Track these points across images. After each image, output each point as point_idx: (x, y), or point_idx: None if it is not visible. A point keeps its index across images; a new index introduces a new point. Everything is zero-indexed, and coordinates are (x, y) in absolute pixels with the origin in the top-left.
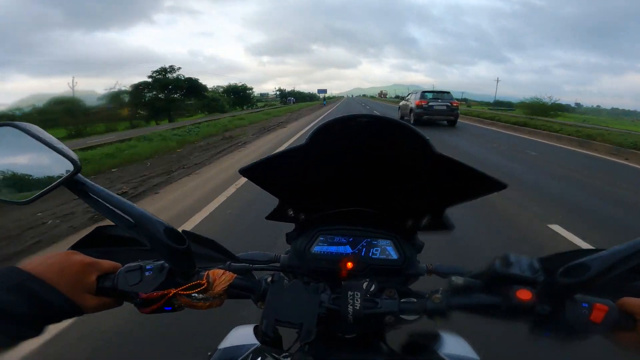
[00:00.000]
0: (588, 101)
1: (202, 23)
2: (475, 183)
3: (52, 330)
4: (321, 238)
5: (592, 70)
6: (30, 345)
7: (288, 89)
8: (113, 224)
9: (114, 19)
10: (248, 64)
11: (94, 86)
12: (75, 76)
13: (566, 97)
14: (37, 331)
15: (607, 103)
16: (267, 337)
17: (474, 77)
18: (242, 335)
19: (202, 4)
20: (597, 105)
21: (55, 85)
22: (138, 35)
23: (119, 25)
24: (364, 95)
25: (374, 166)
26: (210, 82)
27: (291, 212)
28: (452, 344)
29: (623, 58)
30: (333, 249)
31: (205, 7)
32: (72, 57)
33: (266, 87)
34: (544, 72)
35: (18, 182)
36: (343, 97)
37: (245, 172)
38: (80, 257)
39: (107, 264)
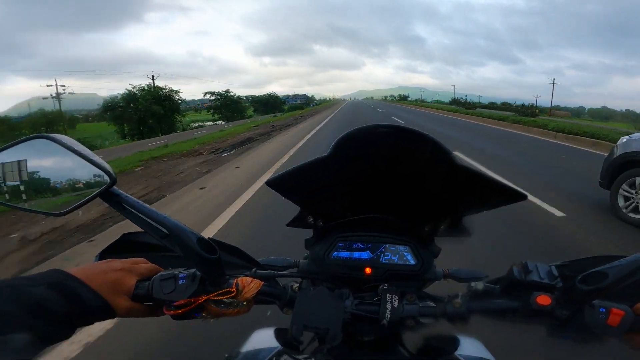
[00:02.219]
0: (598, 103)
1: (201, 23)
2: (495, 193)
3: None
4: (340, 244)
5: (603, 72)
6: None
7: (291, 92)
8: (139, 230)
9: (111, 20)
10: (249, 65)
11: (95, 89)
12: (74, 78)
13: (576, 99)
14: (68, 333)
15: (617, 105)
16: (296, 341)
17: (480, 79)
18: (263, 338)
19: (199, 2)
20: (604, 106)
21: (53, 89)
22: (136, 36)
23: (116, 26)
24: (371, 98)
25: (394, 175)
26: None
27: (310, 219)
28: (468, 346)
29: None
30: (352, 254)
31: (202, 4)
32: (69, 59)
33: (268, 89)
34: (556, 73)
35: (53, 193)
36: (345, 100)
37: (271, 183)
38: (119, 263)
39: (144, 267)
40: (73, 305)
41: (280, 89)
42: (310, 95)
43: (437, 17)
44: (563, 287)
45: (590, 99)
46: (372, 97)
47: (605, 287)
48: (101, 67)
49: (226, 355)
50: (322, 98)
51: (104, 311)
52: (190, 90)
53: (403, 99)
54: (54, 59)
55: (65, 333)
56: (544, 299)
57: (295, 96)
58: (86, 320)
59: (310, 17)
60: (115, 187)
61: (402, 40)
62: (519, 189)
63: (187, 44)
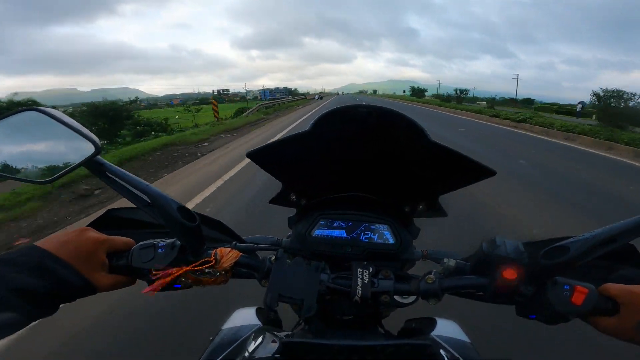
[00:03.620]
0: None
1: (183, 14)
2: (466, 170)
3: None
4: (321, 222)
5: (593, 67)
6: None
7: (280, 85)
8: (125, 206)
9: (84, 11)
10: (236, 59)
11: (76, 84)
12: (53, 74)
13: (565, 94)
14: (52, 310)
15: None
16: (271, 310)
17: (472, 73)
18: (244, 317)
19: None
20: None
21: (38, 84)
22: (115, 30)
23: (92, 18)
24: (360, 92)
25: (373, 153)
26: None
27: (293, 197)
28: (445, 328)
29: (626, 54)
30: (333, 232)
31: None
32: (47, 54)
33: (258, 83)
34: (548, 67)
35: (42, 163)
36: (335, 94)
37: (251, 155)
38: (94, 234)
39: (119, 240)
40: (54, 286)
41: (271, 82)
42: (293, 89)
43: (431, 8)
44: (527, 262)
45: (577, 93)
46: (364, 91)
47: (567, 261)
48: (81, 62)
49: (211, 338)
50: (308, 91)
51: (85, 288)
52: (177, 84)
53: (417, 94)
54: (27, 57)
55: (49, 310)
56: (509, 273)
57: (275, 90)
58: (68, 297)
59: (299, 7)
60: (99, 156)
61: (395, 32)
62: (487, 165)
63: (170, 37)
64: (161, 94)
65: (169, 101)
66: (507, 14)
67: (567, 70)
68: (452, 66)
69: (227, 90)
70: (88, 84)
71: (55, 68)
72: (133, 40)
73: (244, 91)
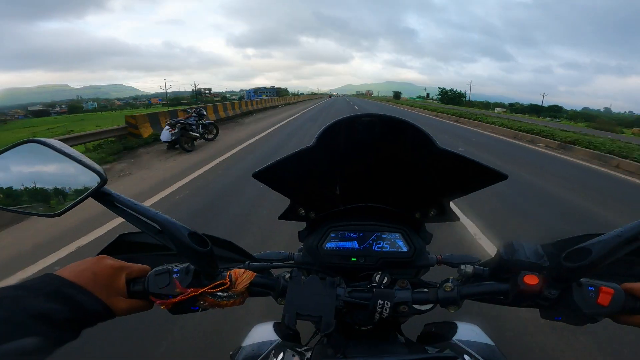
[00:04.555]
0: (580, 101)
1: (178, 10)
2: (477, 175)
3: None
4: (332, 235)
5: (589, 71)
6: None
7: (277, 84)
8: (135, 231)
9: (77, 8)
10: (231, 57)
11: (68, 80)
12: (44, 70)
13: (559, 98)
14: (74, 335)
15: (600, 104)
16: (290, 330)
17: (469, 76)
18: (263, 332)
19: None
20: (586, 107)
21: (29, 79)
22: (108, 26)
23: (83, 14)
24: (358, 94)
25: (380, 163)
26: None
27: (302, 211)
28: (467, 332)
29: (622, 58)
30: (344, 244)
31: None
32: (38, 49)
33: (254, 82)
34: (546, 71)
35: (46, 195)
36: (328, 96)
37: (257, 176)
38: (111, 261)
39: (136, 267)
40: (73, 312)
41: (267, 82)
42: (282, 88)
43: (431, 8)
44: (549, 266)
45: (572, 98)
46: (362, 93)
47: (590, 264)
48: (73, 58)
49: (230, 353)
50: (302, 92)
51: (104, 313)
52: (173, 82)
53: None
54: (18, 53)
55: (72, 335)
56: (531, 279)
57: (260, 90)
58: (88, 322)
59: (296, 4)
60: (105, 186)
61: (393, 32)
62: (499, 170)
63: (165, 34)
64: (154, 91)
65: (147, 100)
66: (506, 15)
67: (564, 74)
68: (449, 68)
69: (209, 88)
70: (80, 79)
71: (46, 64)
72: (126, 36)
73: (224, 91)
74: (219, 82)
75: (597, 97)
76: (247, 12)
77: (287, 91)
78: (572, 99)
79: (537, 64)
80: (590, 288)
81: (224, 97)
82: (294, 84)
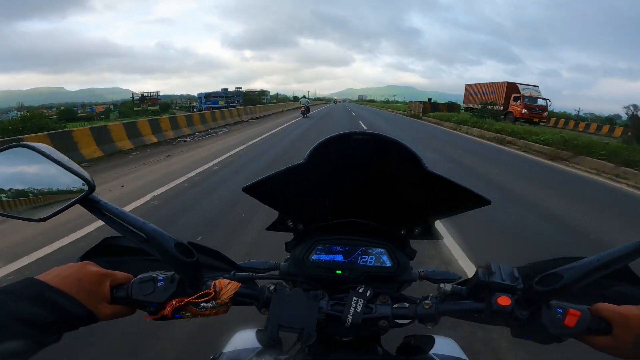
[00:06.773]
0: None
1: (175, 11)
2: (462, 198)
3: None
4: (319, 247)
5: (595, 75)
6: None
7: (278, 89)
8: (120, 234)
9: (71, 6)
10: (229, 59)
11: (63, 83)
12: (38, 72)
13: (564, 102)
14: (57, 338)
15: (602, 108)
16: (272, 341)
17: (472, 80)
18: (245, 339)
19: None
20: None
21: (23, 81)
22: (100, 27)
23: (77, 14)
24: (364, 100)
25: (369, 180)
26: None
27: (290, 223)
28: (443, 346)
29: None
30: (330, 257)
31: None
32: (32, 51)
33: (254, 86)
34: (553, 74)
35: (33, 200)
36: (335, 100)
37: (247, 190)
38: (95, 268)
39: (120, 274)
40: (56, 316)
41: (267, 85)
42: (266, 91)
43: (436, 7)
44: (522, 288)
45: (577, 102)
46: (365, 99)
47: (560, 288)
48: (68, 60)
49: (211, 357)
50: (297, 96)
51: (87, 318)
52: (171, 85)
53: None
54: (12, 50)
55: (54, 338)
56: (504, 300)
57: (215, 94)
58: (70, 326)
59: (296, 6)
60: (94, 194)
61: (395, 34)
62: (482, 195)
63: (162, 36)
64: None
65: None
66: (516, 15)
67: (569, 77)
68: (452, 71)
69: (158, 92)
70: (75, 81)
71: (41, 65)
72: (122, 39)
73: (177, 94)
74: (217, 85)
75: (603, 102)
76: (243, 12)
77: (266, 95)
78: (577, 104)
79: (544, 67)
80: (558, 310)
81: (167, 105)
82: (294, 88)
